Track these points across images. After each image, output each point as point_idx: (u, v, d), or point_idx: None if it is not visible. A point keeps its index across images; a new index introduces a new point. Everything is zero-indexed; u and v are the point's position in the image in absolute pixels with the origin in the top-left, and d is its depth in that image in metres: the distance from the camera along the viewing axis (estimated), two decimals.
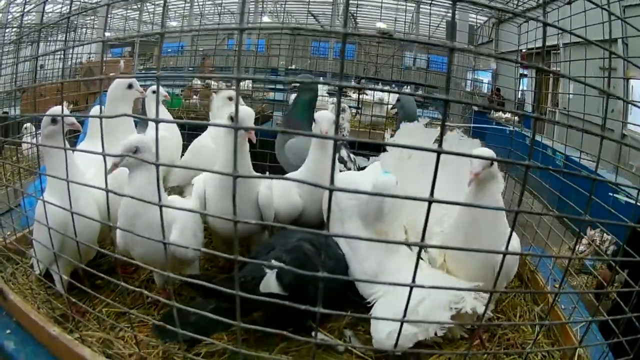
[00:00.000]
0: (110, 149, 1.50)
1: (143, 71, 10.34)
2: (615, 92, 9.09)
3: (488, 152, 1.93)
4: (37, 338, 1.78)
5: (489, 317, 2.11)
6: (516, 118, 14.42)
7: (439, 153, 0.97)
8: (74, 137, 2.74)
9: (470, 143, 2.39)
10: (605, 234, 7.18)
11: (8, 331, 1.84)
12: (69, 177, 1.61)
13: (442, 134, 1.06)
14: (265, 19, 15.63)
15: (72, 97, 5.80)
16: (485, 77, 14.34)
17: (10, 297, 1.88)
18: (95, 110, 2.80)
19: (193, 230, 1.93)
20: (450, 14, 16.36)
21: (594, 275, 6.34)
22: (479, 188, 1.87)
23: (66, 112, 2.01)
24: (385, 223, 1.96)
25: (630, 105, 11.62)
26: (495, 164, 1.87)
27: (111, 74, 6.46)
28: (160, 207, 1.19)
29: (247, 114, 2.06)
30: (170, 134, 2.60)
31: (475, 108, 13.58)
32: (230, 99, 2.55)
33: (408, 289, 1.53)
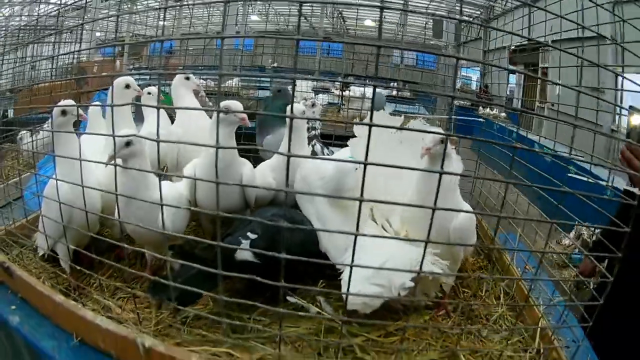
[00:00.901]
0: (111, 140, 1.84)
1: (133, 70, 10.43)
2: (605, 87, 9.17)
3: (442, 133, 2.04)
4: (42, 309, 1.94)
5: (453, 292, 2.34)
6: (503, 114, 14.60)
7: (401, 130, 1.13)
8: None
9: (430, 128, 2.51)
10: (592, 228, 7.31)
11: (13, 307, 1.98)
12: (78, 162, 1.84)
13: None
14: (254, 17, 15.69)
15: (64, 97, 5.93)
16: (474, 75, 14.48)
17: (17, 272, 2.03)
18: (93, 108, 2.97)
19: (176, 214, 2.14)
20: (437, 11, 16.58)
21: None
22: (432, 163, 2.02)
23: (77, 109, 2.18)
24: (349, 202, 2.11)
25: (621, 100, 11.84)
26: (448, 142, 2.02)
27: (103, 74, 6.59)
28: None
29: (237, 104, 2.29)
30: (166, 131, 2.72)
31: (459, 103, 13.75)
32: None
33: (373, 255, 1.76)
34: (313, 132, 2.92)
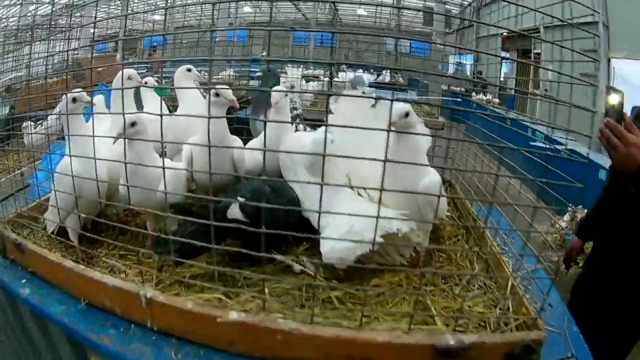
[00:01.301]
0: (115, 124, 2.26)
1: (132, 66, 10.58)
2: (597, 73, 9.33)
3: (407, 108, 2.20)
4: (51, 278, 2.13)
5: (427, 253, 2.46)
6: (496, 100, 14.73)
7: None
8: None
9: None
10: (587, 210, 7.45)
11: (24, 281, 2.16)
12: (88, 142, 2.13)
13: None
14: (247, 9, 15.74)
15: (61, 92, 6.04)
16: (468, 61, 14.58)
17: (28, 247, 2.21)
18: (99, 97, 3.22)
19: (176, 182, 2.37)
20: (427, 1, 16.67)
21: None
22: (399, 136, 2.14)
23: (85, 95, 2.42)
24: (327, 171, 2.13)
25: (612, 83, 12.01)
26: (412, 116, 2.19)
27: (99, 69, 6.75)
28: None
29: (228, 91, 2.53)
30: (165, 118, 2.89)
31: (450, 88, 13.89)
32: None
33: (348, 217, 1.95)
34: (295, 112, 3.11)
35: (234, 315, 1.71)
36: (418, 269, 2.35)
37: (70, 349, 2.01)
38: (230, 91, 2.53)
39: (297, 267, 2.18)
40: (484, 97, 15.08)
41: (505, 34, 16.02)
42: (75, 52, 6.28)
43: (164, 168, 1.96)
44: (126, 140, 2.13)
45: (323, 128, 2.38)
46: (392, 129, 2.02)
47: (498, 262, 2.32)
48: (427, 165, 2.35)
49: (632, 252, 2.70)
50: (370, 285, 2.15)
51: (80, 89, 2.45)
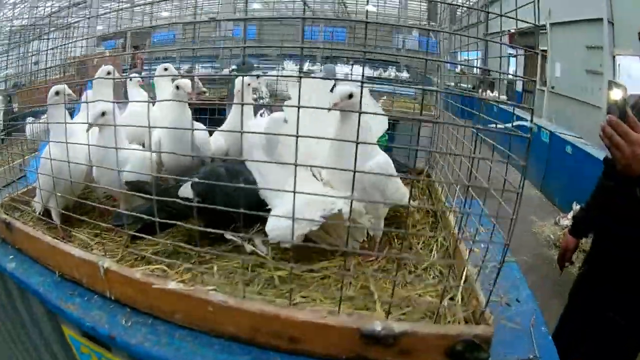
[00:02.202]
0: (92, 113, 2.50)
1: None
2: (602, 70, 9.44)
3: (350, 89, 2.18)
4: (33, 253, 2.40)
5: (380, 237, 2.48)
6: (504, 96, 14.75)
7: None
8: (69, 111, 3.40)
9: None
10: (580, 207, 7.48)
11: (11, 257, 2.45)
12: (68, 132, 2.45)
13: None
14: (255, 5, 15.78)
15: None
16: (476, 58, 14.57)
17: (15, 225, 2.48)
18: (88, 93, 3.47)
19: (140, 164, 2.59)
20: None
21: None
22: (344, 116, 2.19)
23: (67, 88, 2.72)
24: (282, 153, 2.28)
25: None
26: (356, 97, 2.12)
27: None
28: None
29: (186, 81, 2.78)
30: (143, 109, 3.06)
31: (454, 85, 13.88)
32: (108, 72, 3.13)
33: (296, 197, 1.92)
34: (262, 100, 3.30)
35: (171, 285, 1.83)
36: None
37: (48, 321, 2.27)
38: (188, 83, 2.77)
39: (249, 247, 2.23)
40: (491, 94, 15.05)
41: (512, 30, 16.01)
42: (81, 47, 6.42)
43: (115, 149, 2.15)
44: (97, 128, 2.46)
45: (280, 114, 2.50)
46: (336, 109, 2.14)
47: (458, 254, 2.21)
48: (374, 147, 2.42)
49: (633, 250, 2.72)
50: (317, 267, 2.18)
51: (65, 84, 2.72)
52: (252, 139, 2.43)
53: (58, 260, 2.23)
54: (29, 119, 4.31)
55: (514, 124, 1.70)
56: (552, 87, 15.17)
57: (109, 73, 3.10)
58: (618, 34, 12.23)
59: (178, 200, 2.05)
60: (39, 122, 3.33)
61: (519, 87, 18.80)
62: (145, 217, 2.04)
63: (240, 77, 3.04)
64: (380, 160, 2.33)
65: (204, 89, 6.90)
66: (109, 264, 2.01)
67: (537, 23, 1.53)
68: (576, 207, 7.63)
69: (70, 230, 2.56)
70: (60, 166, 2.42)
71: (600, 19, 12.24)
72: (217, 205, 1.80)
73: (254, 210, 1.97)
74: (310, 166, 2.34)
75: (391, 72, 14.58)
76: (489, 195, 1.88)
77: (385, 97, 7.93)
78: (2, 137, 4.04)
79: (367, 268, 2.25)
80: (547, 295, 5.67)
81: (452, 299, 1.88)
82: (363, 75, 1.84)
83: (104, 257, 2.10)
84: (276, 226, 2.08)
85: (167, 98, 3.07)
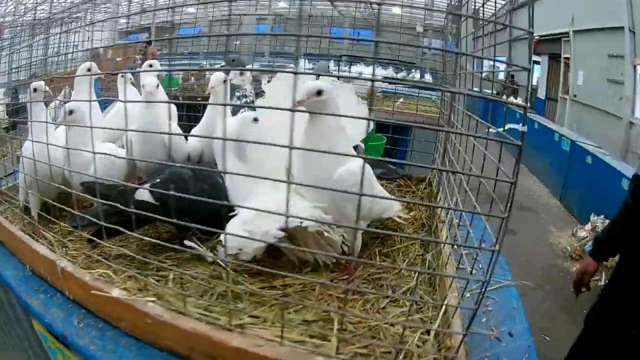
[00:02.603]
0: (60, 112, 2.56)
1: (164, 56, 10.83)
2: (624, 79, 9.37)
3: (319, 85, 2.07)
4: (9, 247, 2.51)
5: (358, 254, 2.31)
6: (527, 104, 14.70)
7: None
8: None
9: (343, 87, 2.72)
10: (608, 220, 7.39)
11: None
12: (45, 130, 2.43)
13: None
14: (282, 4, 15.77)
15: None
16: (501, 64, 14.47)
17: None
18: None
19: (106, 167, 2.57)
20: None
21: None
22: (312, 116, 2.08)
23: (43, 85, 2.81)
24: (253, 156, 2.30)
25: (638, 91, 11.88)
26: (327, 94, 2.06)
27: (118, 59, 7.01)
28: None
29: (149, 80, 2.78)
30: (131, 106, 3.00)
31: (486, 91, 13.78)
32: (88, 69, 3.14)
33: (255, 204, 1.93)
34: (244, 99, 3.10)
35: (114, 292, 1.84)
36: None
37: (23, 313, 2.34)
38: (150, 81, 2.76)
39: (209, 256, 2.18)
40: (515, 100, 14.97)
41: (536, 37, 15.89)
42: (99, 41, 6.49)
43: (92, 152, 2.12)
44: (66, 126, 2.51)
45: (252, 112, 2.43)
46: (300, 107, 2.02)
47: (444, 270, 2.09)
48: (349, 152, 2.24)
49: None
50: (278, 284, 2.09)
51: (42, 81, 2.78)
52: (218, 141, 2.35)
53: (28, 255, 2.31)
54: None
55: (507, 127, 1.61)
56: (574, 96, 15.01)
57: (88, 70, 3.15)
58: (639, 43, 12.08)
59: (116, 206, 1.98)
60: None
61: (541, 93, 18.64)
62: (94, 220, 2.08)
63: (216, 74, 3.01)
64: (352, 166, 2.11)
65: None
66: (64, 264, 2.07)
67: (531, 29, 1.48)
68: (594, 218, 7.64)
69: (42, 229, 2.58)
70: (36, 165, 2.45)
71: (622, 28, 12.08)
72: (177, 210, 1.76)
73: (219, 215, 1.92)
74: (268, 178, 2.09)
75: (415, 75, 14.51)
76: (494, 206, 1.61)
77: (402, 99, 7.90)
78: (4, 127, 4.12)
79: (335, 288, 2.05)
80: (556, 308, 5.67)
81: (427, 331, 1.71)
82: (374, 74, 1.69)
83: (62, 258, 2.16)
84: (232, 237, 2.00)
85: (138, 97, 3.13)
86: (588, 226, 7.65)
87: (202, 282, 2.02)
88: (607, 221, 7.03)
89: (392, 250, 2.52)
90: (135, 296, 1.83)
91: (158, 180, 2.39)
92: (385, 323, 1.77)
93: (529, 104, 1.58)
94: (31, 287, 2.19)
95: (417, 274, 2.18)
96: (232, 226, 2.03)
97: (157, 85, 2.80)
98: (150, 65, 3.58)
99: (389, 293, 2.04)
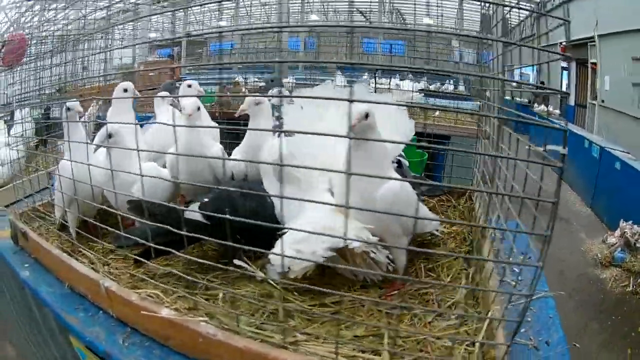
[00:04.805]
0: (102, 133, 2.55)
1: (192, 72, 10.84)
2: None
3: (366, 108, 2.03)
4: (46, 264, 2.45)
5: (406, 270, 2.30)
6: (557, 111, 14.53)
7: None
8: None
9: (382, 96, 2.74)
10: (637, 226, 7.35)
11: (26, 265, 2.53)
12: (82, 148, 2.44)
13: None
14: (313, 17, 15.82)
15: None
16: (531, 72, 14.46)
17: (31, 236, 2.53)
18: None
19: (150, 187, 2.46)
20: (488, 9, 16.40)
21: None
22: (360, 136, 2.00)
23: (78, 105, 2.71)
24: (297, 176, 2.31)
25: None
26: (372, 118, 2.03)
27: (150, 74, 7.02)
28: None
29: (190, 102, 2.72)
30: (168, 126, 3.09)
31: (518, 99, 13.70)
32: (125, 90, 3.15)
33: (303, 223, 1.94)
34: (281, 121, 3.00)
35: (164, 312, 1.81)
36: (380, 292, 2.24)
37: (58, 329, 2.25)
38: (190, 103, 2.69)
39: (259, 275, 2.08)
40: (546, 108, 14.84)
41: (564, 43, 15.79)
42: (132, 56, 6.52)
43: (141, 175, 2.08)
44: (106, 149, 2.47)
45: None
46: (352, 133, 1.91)
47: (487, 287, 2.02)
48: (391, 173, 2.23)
49: None
50: (329, 301, 2.07)
51: (76, 99, 2.72)
52: (267, 160, 2.36)
53: (67, 274, 2.27)
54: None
55: (547, 147, 1.53)
56: (602, 101, 14.82)
57: (125, 90, 3.11)
58: None
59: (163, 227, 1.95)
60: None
61: (571, 100, 18.51)
62: (141, 240, 2.04)
63: (249, 98, 2.97)
64: (395, 186, 2.12)
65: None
66: (109, 283, 2.02)
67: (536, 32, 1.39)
68: (623, 224, 7.49)
69: (83, 248, 2.53)
70: (72, 184, 2.42)
71: None
72: (227, 230, 1.73)
73: (271, 235, 1.93)
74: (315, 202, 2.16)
75: (448, 86, 14.47)
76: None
77: (437, 112, 7.81)
78: (35, 144, 4.09)
79: (384, 304, 2.05)
80: (588, 317, 5.58)
81: (472, 344, 1.71)
82: (413, 89, 1.66)
83: (106, 277, 2.12)
84: (280, 258, 1.93)
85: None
86: (617, 232, 7.47)
87: (253, 301, 2.00)
88: (636, 227, 7.27)
89: (437, 265, 2.48)
90: (187, 316, 1.81)
91: (207, 199, 2.36)
92: (432, 337, 1.78)
93: (567, 125, 1.54)
94: (70, 305, 2.15)
95: (461, 288, 2.15)
96: (280, 245, 1.93)
97: (198, 108, 2.75)
98: (189, 86, 3.56)
99: (435, 308, 2.04)
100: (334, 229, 1.92)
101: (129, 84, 3.16)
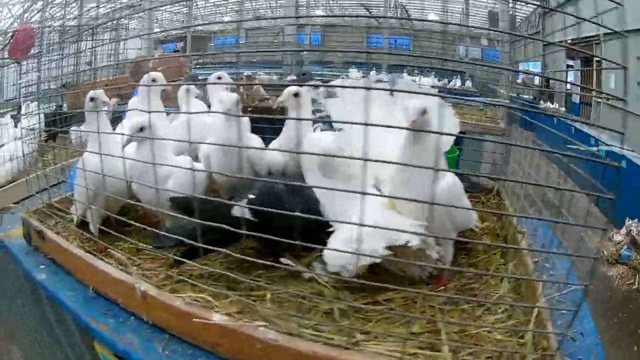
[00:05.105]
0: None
1: (197, 66, 10.73)
2: None
3: (423, 104, 2.01)
4: (66, 265, 2.27)
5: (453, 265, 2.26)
6: (563, 109, 14.46)
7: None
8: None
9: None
10: None
11: (42, 266, 2.33)
12: (107, 140, 2.28)
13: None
14: (319, 12, 15.75)
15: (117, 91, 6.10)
16: (536, 69, 14.42)
17: (48, 235, 2.34)
18: (133, 100, 3.44)
19: (186, 181, 2.31)
20: (494, 5, 16.43)
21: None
22: (414, 135, 2.01)
23: (103, 94, 2.54)
24: (343, 172, 2.23)
25: None
26: (429, 113, 2.00)
27: (159, 68, 6.88)
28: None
29: (229, 96, 2.58)
30: (198, 118, 2.93)
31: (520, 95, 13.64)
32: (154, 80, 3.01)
33: (357, 220, 1.74)
34: (319, 114, 2.90)
35: (215, 318, 1.69)
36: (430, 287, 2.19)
37: (79, 335, 2.11)
38: (231, 97, 2.56)
39: (307, 274, 2.08)
40: (551, 105, 14.76)
41: (569, 41, 15.72)
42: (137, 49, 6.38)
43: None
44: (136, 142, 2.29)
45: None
46: (411, 128, 1.96)
47: (529, 282, 2.05)
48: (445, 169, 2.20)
49: None
50: (382, 299, 2.01)
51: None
52: (309, 157, 2.35)
53: (91, 276, 2.10)
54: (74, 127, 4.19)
55: (601, 147, 1.50)
56: (608, 100, 14.76)
57: (153, 80, 2.95)
58: None
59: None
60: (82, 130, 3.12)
61: (576, 98, 18.45)
62: (188, 241, 1.89)
63: (287, 88, 2.80)
64: (451, 181, 2.11)
65: (267, 96, 6.69)
66: (146, 286, 1.87)
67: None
68: (629, 222, 7.48)
69: (107, 246, 2.33)
70: (99, 178, 2.24)
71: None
72: (275, 226, 1.71)
73: (315, 231, 1.91)
74: (375, 195, 2.15)
75: (456, 82, 14.41)
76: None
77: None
78: (45, 138, 3.93)
79: (434, 300, 2.00)
80: (594, 314, 5.49)
81: (521, 336, 1.75)
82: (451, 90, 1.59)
83: (141, 280, 1.96)
84: (335, 256, 1.94)
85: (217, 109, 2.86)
86: (623, 230, 7.44)
87: (304, 301, 1.91)
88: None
89: (477, 261, 2.46)
90: (241, 320, 1.69)
91: (253, 195, 2.21)
92: (484, 330, 1.80)
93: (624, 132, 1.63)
94: (96, 310, 1.98)
95: (502, 281, 2.19)
96: (335, 243, 1.98)
97: (238, 102, 2.60)
98: (219, 77, 3.39)
99: (488, 301, 2.03)
100: (392, 226, 1.87)
101: (158, 74, 3.02)
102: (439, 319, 1.83)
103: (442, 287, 2.17)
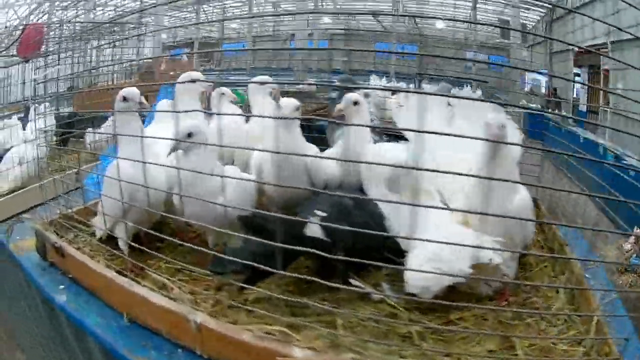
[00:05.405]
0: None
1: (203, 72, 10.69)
2: None
3: (502, 119, 2.02)
4: (92, 288, 2.04)
5: (515, 278, 2.21)
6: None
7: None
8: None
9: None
10: None
11: (62, 287, 2.10)
12: (141, 145, 2.00)
13: None
14: (326, 19, 15.71)
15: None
16: (543, 78, 14.38)
17: (69, 252, 2.11)
18: (161, 102, 3.22)
19: (241, 194, 2.17)
20: (504, 13, 16.42)
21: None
22: (493, 146, 1.98)
23: (137, 94, 2.24)
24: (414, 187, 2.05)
25: None
26: (506, 129, 1.99)
27: (171, 73, 6.72)
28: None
29: (291, 102, 2.48)
30: (235, 124, 2.82)
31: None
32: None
33: (435, 239, 1.73)
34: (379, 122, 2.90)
35: (298, 354, 1.50)
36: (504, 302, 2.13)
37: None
38: (289, 103, 2.45)
39: (376, 295, 1.94)
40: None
41: (577, 49, 15.77)
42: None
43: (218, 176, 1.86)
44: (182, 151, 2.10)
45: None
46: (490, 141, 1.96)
47: (582, 292, 2.09)
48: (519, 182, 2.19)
49: None
50: (454, 317, 1.94)
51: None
52: (378, 168, 2.26)
53: (126, 302, 1.87)
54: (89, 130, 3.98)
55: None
56: (614, 105, 14.79)
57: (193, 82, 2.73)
58: None
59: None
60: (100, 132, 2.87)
61: (582, 107, 18.55)
62: (259, 266, 1.67)
63: (348, 95, 2.70)
64: (526, 195, 2.14)
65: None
66: (203, 318, 1.65)
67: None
68: (637, 230, 7.20)
69: (143, 266, 2.06)
70: (134, 189, 2.03)
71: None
72: (347, 246, 1.66)
73: (380, 249, 1.89)
74: (451, 209, 2.16)
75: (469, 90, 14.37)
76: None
77: None
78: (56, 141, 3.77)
79: (502, 315, 1.99)
80: None
81: (583, 346, 1.79)
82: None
83: (195, 310, 1.74)
84: (419, 277, 1.84)
85: (266, 114, 2.80)
86: (632, 239, 7.24)
87: (378, 325, 1.82)
88: None
89: (532, 274, 2.44)
90: (327, 354, 1.55)
91: (324, 213, 2.05)
92: (552, 343, 1.81)
93: None
94: (134, 341, 1.75)
95: (558, 293, 2.19)
96: (417, 262, 1.89)
97: (298, 108, 2.49)
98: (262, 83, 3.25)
99: (565, 312, 2.06)
100: (475, 244, 1.89)
101: (198, 74, 2.88)
102: (509, 334, 1.83)
103: (505, 302, 2.13)
